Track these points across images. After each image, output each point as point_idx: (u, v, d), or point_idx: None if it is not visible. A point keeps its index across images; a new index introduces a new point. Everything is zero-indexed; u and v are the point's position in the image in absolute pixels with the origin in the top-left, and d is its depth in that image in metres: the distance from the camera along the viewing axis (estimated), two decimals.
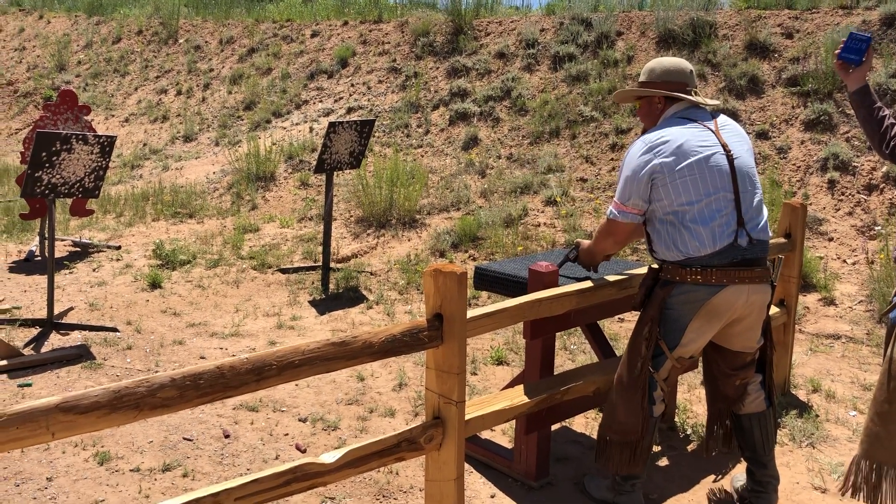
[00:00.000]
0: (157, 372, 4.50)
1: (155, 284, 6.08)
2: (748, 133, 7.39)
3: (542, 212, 7.39)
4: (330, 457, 2.49)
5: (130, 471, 3.45)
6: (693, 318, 2.92)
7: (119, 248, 7.15)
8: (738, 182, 2.93)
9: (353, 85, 10.56)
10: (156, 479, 3.39)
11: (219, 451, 3.65)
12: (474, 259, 6.78)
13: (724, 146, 2.95)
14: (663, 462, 3.65)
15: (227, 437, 3.79)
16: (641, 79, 3.19)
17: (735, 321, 2.99)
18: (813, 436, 3.86)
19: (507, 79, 9.34)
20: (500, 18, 10.52)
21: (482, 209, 7.50)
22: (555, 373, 3.42)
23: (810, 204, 6.61)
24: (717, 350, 3.14)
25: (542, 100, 8.83)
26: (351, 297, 5.99)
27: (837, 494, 3.38)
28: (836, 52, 2.97)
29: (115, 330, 5.16)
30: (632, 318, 5.50)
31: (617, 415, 3.05)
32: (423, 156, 8.88)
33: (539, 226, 7.17)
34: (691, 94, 3.10)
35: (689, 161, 2.88)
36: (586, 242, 3.34)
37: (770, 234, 3.06)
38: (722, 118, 3.10)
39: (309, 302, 5.87)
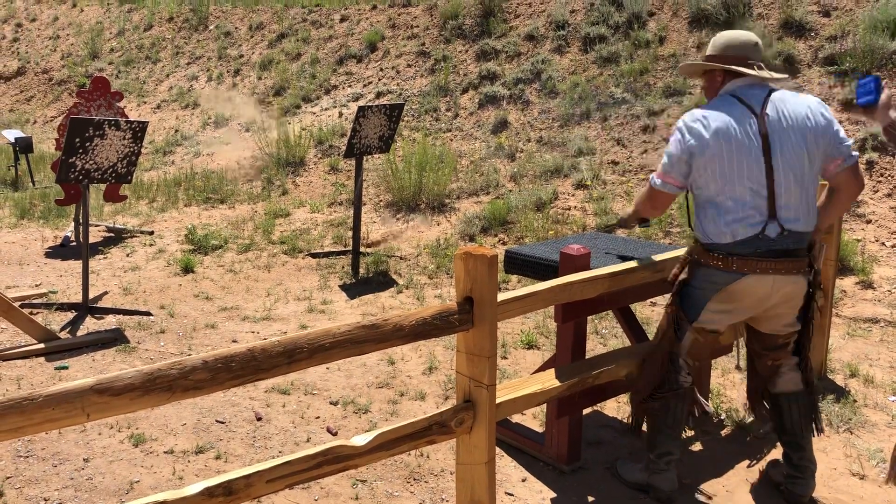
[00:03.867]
0: (189, 355, 4.55)
1: (187, 269, 6.14)
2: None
3: (573, 195, 7.33)
4: (361, 439, 2.49)
5: (164, 452, 3.49)
6: (711, 299, 2.96)
7: (152, 233, 7.23)
8: (776, 173, 2.83)
9: (382, 69, 10.53)
10: (189, 461, 3.43)
11: (251, 434, 3.69)
12: (504, 243, 6.74)
13: (763, 136, 2.85)
14: (697, 447, 3.61)
15: (259, 419, 3.82)
16: (707, 52, 3.13)
17: (759, 308, 2.96)
18: (851, 421, 3.78)
19: (536, 61, 9.25)
20: (530, 0, 10.41)
21: (512, 193, 7.46)
22: (586, 357, 3.39)
23: None
24: (750, 329, 3.18)
25: (572, 82, 8.73)
26: (381, 281, 6.00)
27: (877, 481, 3.32)
28: (855, 102, 2.89)
29: (148, 314, 5.22)
30: (664, 301, 5.43)
31: (637, 380, 3.20)
32: (452, 140, 8.84)
33: (570, 209, 7.11)
34: (753, 69, 2.98)
35: (721, 149, 2.84)
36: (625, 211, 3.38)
37: (812, 225, 2.94)
38: (780, 96, 2.93)
39: (339, 286, 5.89)
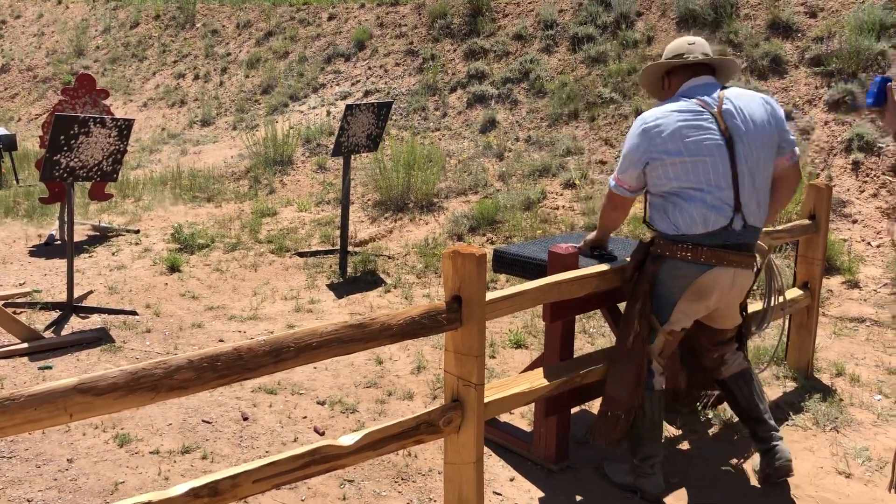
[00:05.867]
0: (175, 355, 4.51)
1: (174, 268, 6.10)
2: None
3: (561, 195, 7.33)
4: (348, 439, 2.47)
5: (150, 453, 3.46)
6: (682, 298, 2.98)
7: (138, 232, 7.18)
8: (738, 168, 2.88)
9: (370, 68, 10.51)
10: (175, 462, 3.40)
11: (237, 434, 3.66)
12: (492, 243, 6.74)
13: (723, 131, 2.89)
14: (685, 446, 3.61)
15: (245, 419, 3.80)
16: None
17: (721, 301, 3.01)
18: (837, 420, 3.80)
19: (525, 60, 9.25)
20: (518, 0, 10.42)
21: (500, 192, 7.45)
22: (574, 356, 3.39)
23: (834, 186, 6.50)
24: (699, 326, 3.22)
25: (560, 81, 8.74)
26: (369, 280, 5.98)
27: (862, 479, 3.33)
28: (867, 102, 2.92)
29: (134, 313, 5.18)
30: None
31: (606, 387, 3.13)
32: (440, 139, 8.83)
33: (558, 209, 7.11)
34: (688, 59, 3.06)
35: (681, 147, 2.87)
36: (590, 235, 3.40)
37: (765, 220, 3.03)
38: (734, 93, 2.98)
39: (327, 285, 5.86)
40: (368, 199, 7.90)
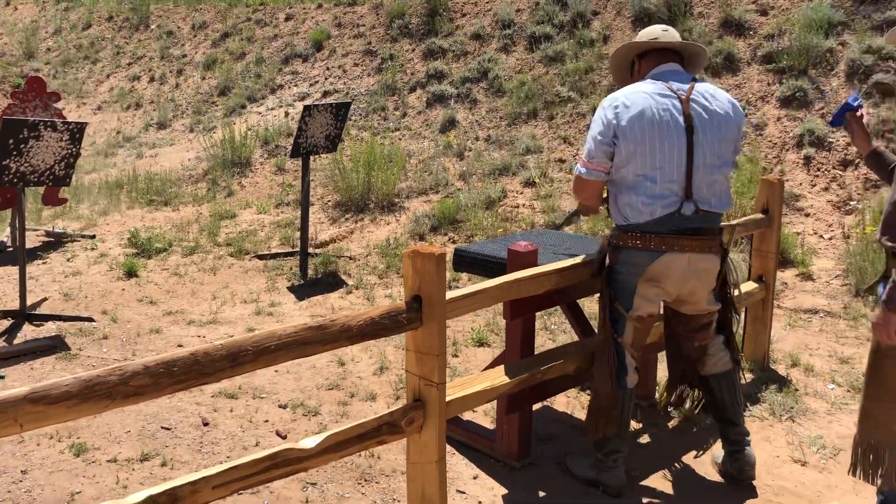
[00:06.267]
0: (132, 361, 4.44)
1: (131, 273, 6.00)
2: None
3: (521, 193, 7.37)
4: (310, 442, 2.46)
5: (107, 461, 3.40)
6: (639, 284, 3.02)
7: (93, 237, 7.05)
8: (695, 155, 2.91)
9: (328, 68, 10.45)
10: (133, 469, 3.35)
11: (198, 440, 3.61)
12: (454, 242, 6.75)
13: (686, 116, 2.92)
14: (645, 439, 3.66)
15: (205, 424, 3.75)
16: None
17: (681, 287, 3.03)
18: (792, 409, 3.88)
19: (483, 60, 9.28)
20: (476, 0, 10.45)
21: (461, 191, 7.47)
22: (535, 353, 3.41)
23: (787, 180, 6.63)
24: (673, 313, 3.25)
25: (519, 81, 8.78)
26: (330, 282, 5.94)
27: (817, 466, 3.41)
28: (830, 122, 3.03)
29: (90, 320, 5.09)
30: None
31: (594, 381, 3.17)
32: (400, 139, 8.81)
33: (518, 207, 7.15)
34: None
35: (641, 131, 2.90)
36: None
37: (726, 208, 3.06)
38: (705, 87, 3.03)
39: (287, 288, 5.82)
40: (329, 200, 7.86)
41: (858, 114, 2.95)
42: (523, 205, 7.16)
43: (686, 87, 3.00)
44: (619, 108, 2.94)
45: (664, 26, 3.19)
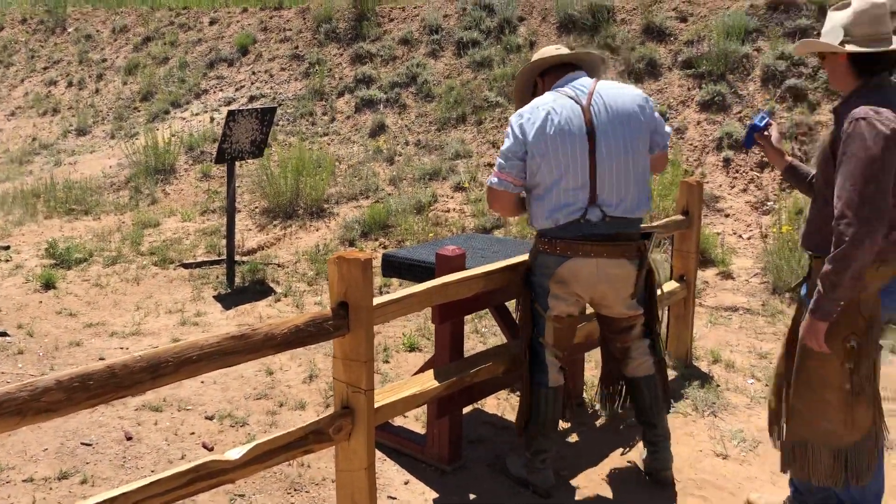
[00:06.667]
0: None
1: (49, 285, 5.78)
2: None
3: (452, 197, 7.40)
4: (235, 453, 2.41)
5: (23, 481, 3.27)
6: (549, 284, 3.09)
7: (8, 248, 6.77)
8: (598, 161, 2.94)
9: (254, 73, 10.30)
10: (51, 489, 3.23)
11: (120, 455, 3.51)
12: (385, 247, 6.73)
13: (587, 122, 2.96)
14: (573, 438, 3.71)
15: (129, 439, 3.64)
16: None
17: (592, 291, 3.07)
18: (714, 405, 4.00)
19: (412, 65, 9.29)
20: (403, 4, 10.45)
21: (391, 196, 7.45)
22: (465, 356, 3.42)
23: (707, 182, 6.84)
24: (599, 315, 3.31)
25: (447, 86, 8.82)
26: (258, 290, 5.85)
27: (738, 459, 3.52)
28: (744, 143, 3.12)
29: (4, 334, 4.88)
30: None
31: (518, 383, 3.28)
32: (329, 144, 8.75)
33: (449, 211, 7.18)
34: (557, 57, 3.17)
35: (547, 142, 2.95)
36: None
37: (639, 212, 3.06)
38: (604, 87, 3.05)
39: (214, 297, 5.70)
40: (256, 207, 7.74)
41: (766, 133, 3.02)
42: (454, 209, 7.19)
43: (587, 92, 3.03)
44: (524, 124, 3.00)
45: (557, 45, 3.28)
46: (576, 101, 3.00)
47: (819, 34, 2.76)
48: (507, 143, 3.04)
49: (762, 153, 3.14)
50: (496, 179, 3.07)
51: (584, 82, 3.08)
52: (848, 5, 2.59)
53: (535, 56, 3.24)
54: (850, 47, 2.52)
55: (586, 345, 3.81)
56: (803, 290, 2.80)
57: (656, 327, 3.36)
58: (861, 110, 2.44)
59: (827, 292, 2.45)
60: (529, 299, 3.17)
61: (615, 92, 3.04)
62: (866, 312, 2.58)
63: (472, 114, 8.43)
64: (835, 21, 2.59)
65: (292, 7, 11.12)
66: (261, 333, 2.41)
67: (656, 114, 3.13)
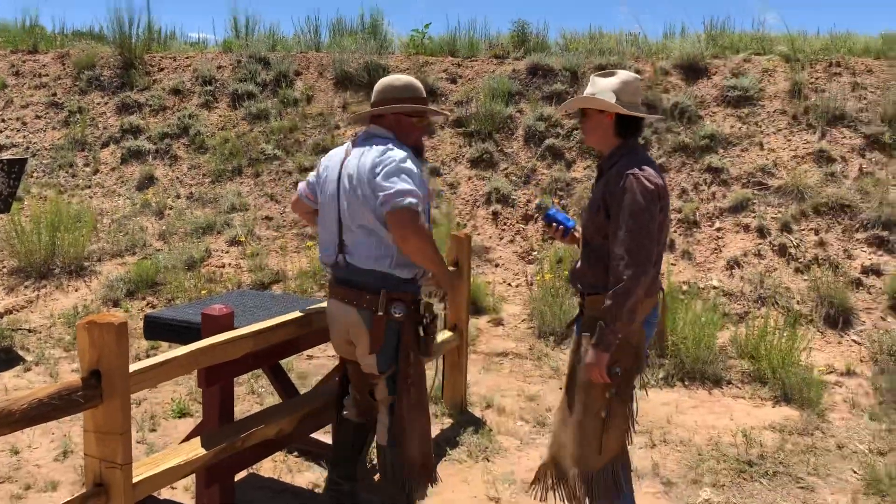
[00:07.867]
0: None
1: None
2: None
3: (227, 252, 7.17)
4: None
5: None
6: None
7: None
8: (341, 209, 3.05)
9: (3, 120, 9.41)
10: None
11: None
12: (153, 306, 6.35)
13: (339, 177, 3.08)
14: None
15: None
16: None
17: (333, 333, 3.19)
18: (487, 449, 4.14)
19: (183, 115, 8.97)
20: (174, 54, 10.11)
21: (161, 252, 7.08)
22: (236, 419, 3.29)
23: (478, 234, 7.19)
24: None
25: (222, 137, 8.61)
26: (3, 359, 5.26)
27: (510, 501, 3.66)
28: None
29: None
30: (320, 353, 5.52)
31: None
32: (92, 197, 8.16)
33: (224, 267, 6.94)
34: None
35: (320, 185, 3.19)
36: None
37: (371, 262, 2.99)
38: (361, 141, 3.10)
39: None
40: (4, 266, 7.01)
41: (553, 226, 3.22)
42: (229, 264, 6.97)
43: (359, 142, 3.13)
44: (318, 167, 3.23)
45: (398, 75, 3.36)
46: (346, 154, 3.16)
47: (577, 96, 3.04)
48: (313, 174, 3.25)
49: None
50: (301, 187, 3.29)
51: (366, 137, 3.18)
52: (613, 74, 2.89)
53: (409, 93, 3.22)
54: (623, 109, 2.81)
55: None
56: (575, 327, 3.02)
57: (400, 399, 3.07)
58: (631, 168, 2.74)
59: (609, 324, 2.68)
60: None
61: (363, 149, 3.06)
62: (634, 341, 2.84)
63: (248, 166, 8.27)
64: (603, 86, 2.86)
65: (49, 51, 10.36)
66: None
67: (377, 173, 2.95)
